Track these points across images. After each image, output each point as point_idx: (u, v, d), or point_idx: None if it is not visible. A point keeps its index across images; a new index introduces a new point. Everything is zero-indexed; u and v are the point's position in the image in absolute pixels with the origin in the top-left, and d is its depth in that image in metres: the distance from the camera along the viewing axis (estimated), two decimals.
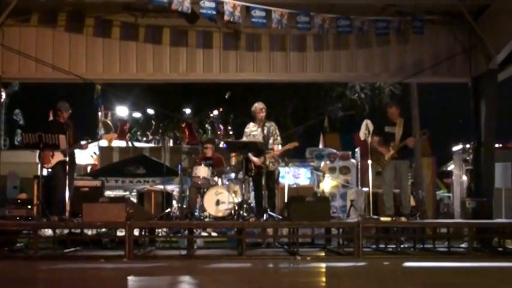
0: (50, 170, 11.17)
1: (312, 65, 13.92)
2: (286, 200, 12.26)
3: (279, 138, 11.74)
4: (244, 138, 11.73)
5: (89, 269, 9.05)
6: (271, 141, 11.53)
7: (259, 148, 11.21)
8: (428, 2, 13.25)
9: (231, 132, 28.24)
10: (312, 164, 17.71)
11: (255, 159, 11.35)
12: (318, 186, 16.75)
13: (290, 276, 8.45)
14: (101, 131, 25.64)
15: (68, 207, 11.09)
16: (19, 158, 18.96)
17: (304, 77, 14.50)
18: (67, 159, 11.05)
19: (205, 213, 11.19)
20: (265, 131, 11.50)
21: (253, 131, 11.65)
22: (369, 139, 11.47)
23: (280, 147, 11.69)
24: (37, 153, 11.09)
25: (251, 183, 11.75)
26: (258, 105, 11.69)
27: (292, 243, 11.36)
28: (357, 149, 18.98)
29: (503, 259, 10.51)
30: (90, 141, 12.09)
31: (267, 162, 11.27)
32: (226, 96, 27.64)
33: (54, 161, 11.02)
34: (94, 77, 13.99)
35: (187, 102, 28.21)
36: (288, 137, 15.10)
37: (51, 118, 12.38)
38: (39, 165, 11.07)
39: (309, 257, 10.09)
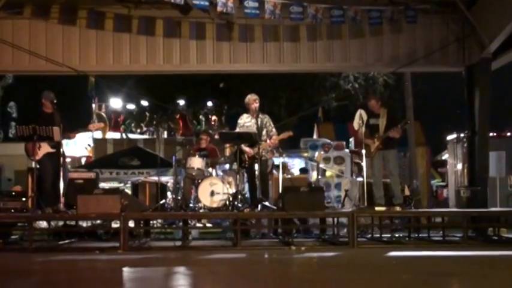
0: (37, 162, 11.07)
1: (306, 56, 13.91)
2: (280, 191, 12.25)
3: (274, 130, 11.67)
4: (238, 130, 11.71)
5: (83, 260, 9.06)
6: (264, 132, 11.48)
7: (253, 139, 11.16)
8: None
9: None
10: (306, 154, 17.70)
11: (247, 149, 11.34)
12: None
13: (285, 266, 8.45)
14: (95, 123, 25.57)
15: (62, 199, 11.04)
16: (13, 150, 18.91)
17: (297, 67, 14.49)
18: (54, 151, 10.96)
19: (199, 204, 11.19)
20: (258, 123, 11.45)
21: (246, 122, 11.59)
22: (363, 129, 11.46)
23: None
24: (23, 146, 10.97)
25: (245, 174, 11.73)
26: (252, 96, 11.63)
27: (287, 233, 11.38)
28: (351, 139, 18.99)
29: (498, 248, 10.51)
30: (77, 130, 11.96)
31: (261, 152, 11.22)
32: (221, 85, 27.61)
33: (41, 153, 10.87)
34: (87, 69, 13.95)
35: (181, 94, 28.15)
36: (282, 127, 15.06)
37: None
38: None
39: (303, 247, 10.09)
